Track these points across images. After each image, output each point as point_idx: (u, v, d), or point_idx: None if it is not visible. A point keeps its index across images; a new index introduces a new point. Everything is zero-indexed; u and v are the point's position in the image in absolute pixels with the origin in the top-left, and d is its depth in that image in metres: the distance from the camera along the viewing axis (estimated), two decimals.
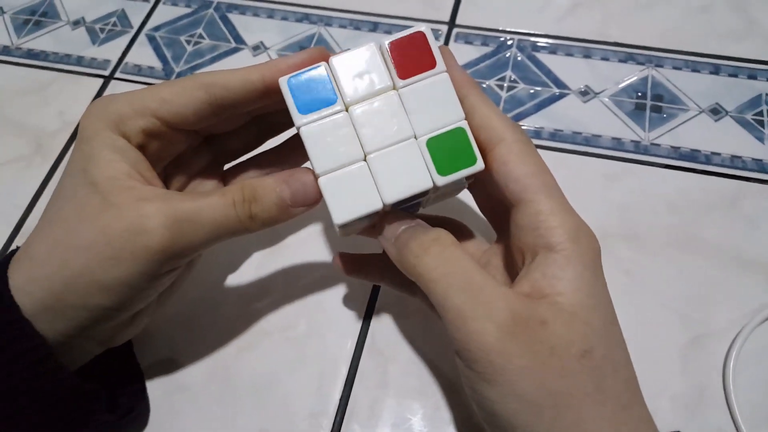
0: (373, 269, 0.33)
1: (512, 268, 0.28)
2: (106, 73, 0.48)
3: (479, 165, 0.26)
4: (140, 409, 0.32)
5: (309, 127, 0.25)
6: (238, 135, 0.33)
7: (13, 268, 0.26)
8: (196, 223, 0.25)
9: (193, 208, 0.26)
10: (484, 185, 0.29)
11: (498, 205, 0.28)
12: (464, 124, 0.26)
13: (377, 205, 0.25)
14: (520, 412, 0.23)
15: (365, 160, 0.26)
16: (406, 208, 0.29)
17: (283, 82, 0.26)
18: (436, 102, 0.26)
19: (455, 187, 0.30)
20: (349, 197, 0.25)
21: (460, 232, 0.33)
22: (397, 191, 0.25)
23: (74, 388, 0.27)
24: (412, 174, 0.26)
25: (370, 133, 0.26)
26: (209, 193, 0.27)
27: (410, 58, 0.26)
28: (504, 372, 0.23)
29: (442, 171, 0.26)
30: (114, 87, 0.47)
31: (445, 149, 0.26)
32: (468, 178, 0.27)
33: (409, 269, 0.26)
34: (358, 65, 0.26)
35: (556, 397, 0.22)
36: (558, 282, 0.24)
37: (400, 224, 0.27)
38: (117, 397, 0.30)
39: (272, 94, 0.27)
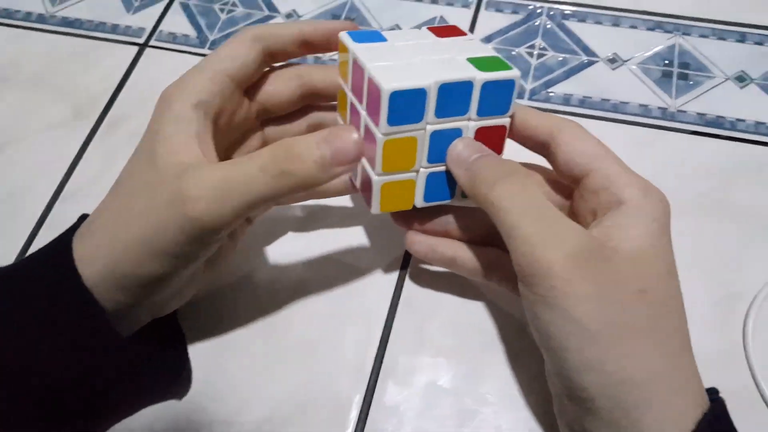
0: (446, 252, 0.33)
1: None
2: (141, 40, 0.48)
3: (515, 72, 0.28)
4: (185, 373, 0.34)
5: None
6: (292, 126, 0.35)
7: (78, 239, 0.28)
8: (233, 191, 0.25)
9: (226, 177, 0.26)
10: None
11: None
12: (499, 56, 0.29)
13: (427, 82, 0.26)
14: (574, 336, 0.24)
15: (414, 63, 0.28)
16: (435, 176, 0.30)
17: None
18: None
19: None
20: (400, 76, 0.26)
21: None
22: (445, 75, 0.27)
23: (131, 355, 0.28)
24: (457, 69, 0.28)
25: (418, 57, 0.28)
26: (243, 158, 0.27)
27: None
28: (566, 297, 0.24)
29: (482, 69, 0.28)
30: (149, 55, 0.48)
31: (483, 62, 0.28)
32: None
33: (480, 197, 0.27)
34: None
35: (612, 327, 0.23)
36: (626, 230, 0.25)
37: (474, 152, 0.28)
38: (163, 361, 0.32)
39: (310, 45, 0.31)
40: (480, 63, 0.28)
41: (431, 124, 0.28)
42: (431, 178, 0.30)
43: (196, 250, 0.27)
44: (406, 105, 0.26)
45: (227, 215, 0.25)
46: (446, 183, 0.30)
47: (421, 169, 0.29)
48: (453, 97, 0.27)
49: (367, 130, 0.28)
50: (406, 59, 0.28)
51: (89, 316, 0.27)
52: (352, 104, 0.29)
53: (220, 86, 0.29)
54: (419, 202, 0.30)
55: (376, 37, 0.30)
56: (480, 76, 0.27)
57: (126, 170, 0.29)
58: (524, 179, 0.27)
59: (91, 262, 0.27)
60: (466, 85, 0.27)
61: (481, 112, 0.28)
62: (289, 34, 0.31)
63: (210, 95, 0.29)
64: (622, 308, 0.24)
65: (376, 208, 0.30)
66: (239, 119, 0.32)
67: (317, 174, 0.26)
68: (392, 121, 0.26)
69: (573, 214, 0.30)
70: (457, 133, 0.29)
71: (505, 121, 0.29)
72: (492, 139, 0.29)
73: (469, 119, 0.28)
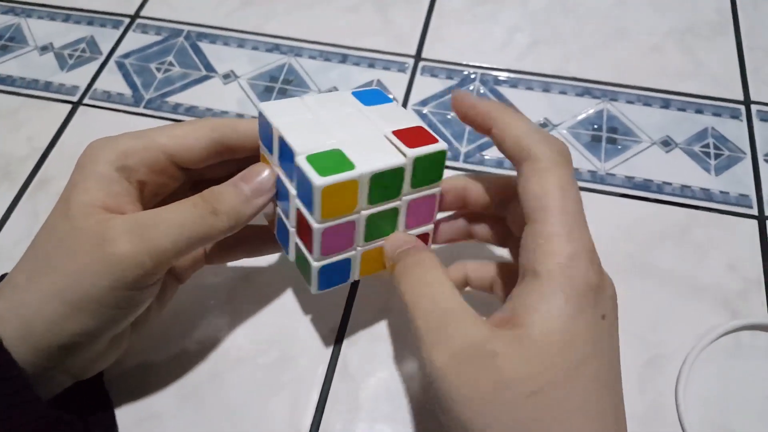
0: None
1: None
2: (75, 99, 0.48)
3: (442, 145, 0.28)
4: None
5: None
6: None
7: None
8: (159, 226, 0.26)
9: (154, 214, 0.26)
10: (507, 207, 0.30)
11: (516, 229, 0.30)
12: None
13: (356, 174, 0.26)
14: None
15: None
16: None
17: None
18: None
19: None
20: (329, 166, 0.26)
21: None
22: (373, 164, 0.26)
23: (52, 419, 0.27)
24: (385, 154, 0.27)
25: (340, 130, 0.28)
26: (170, 205, 0.27)
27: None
28: (448, 399, 0.23)
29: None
30: (83, 113, 0.47)
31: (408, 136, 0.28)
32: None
33: (396, 290, 0.27)
34: None
35: (497, 430, 0.22)
36: (533, 313, 0.23)
37: (400, 246, 0.29)
38: (89, 427, 0.30)
39: None
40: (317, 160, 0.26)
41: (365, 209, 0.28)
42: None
43: (123, 295, 0.26)
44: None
45: (157, 255, 0.25)
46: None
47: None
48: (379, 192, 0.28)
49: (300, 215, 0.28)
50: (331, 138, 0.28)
51: (6, 378, 0.25)
52: (279, 179, 0.29)
53: (151, 159, 0.28)
54: (314, 289, 0.30)
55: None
56: (410, 153, 0.27)
57: (44, 225, 0.28)
58: (428, 270, 0.27)
59: (9, 320, 0.26)
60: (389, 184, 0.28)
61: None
62: (249, 128, 0.30)
63: (137, 164, 0.28)
64: (508, 412, 0.22)
65: (292, 256, 0.30)
66: (169, 191, 0.31)
67: (242, 208, 0.28)
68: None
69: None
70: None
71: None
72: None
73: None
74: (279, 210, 0.30)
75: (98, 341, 0.27)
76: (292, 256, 0.30)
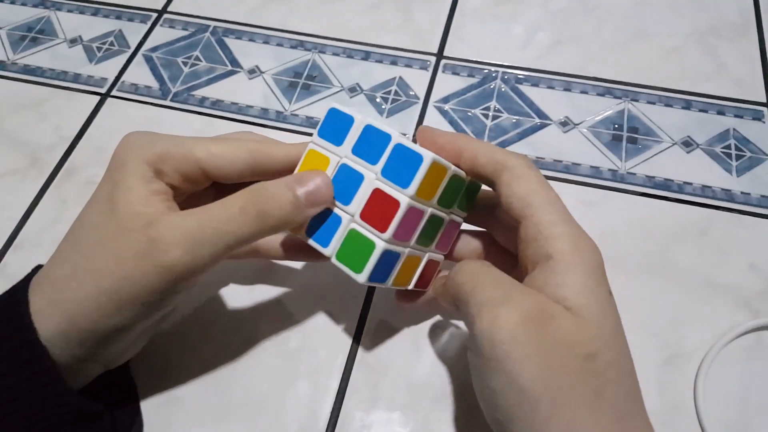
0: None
1: None
2: (103, 90, 0.49)
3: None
4: (136, 426, 0.33)
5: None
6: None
7: (34, 291, 0.27)
8: (209, 234, 0.26)
9: (203, 220, 0.26)
10: (500, 220, 0.32)
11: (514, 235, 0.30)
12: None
13: (448, 164, 0.28)
14: (519, 405, 0.23)
15: None
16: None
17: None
18: None
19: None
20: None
21: None
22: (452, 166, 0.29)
23: (81, 410, 0.27)
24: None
25: None
26: (215, 203, 0.27)
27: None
28: (508, 360, 0.23)
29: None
30: (110, 105, 0.48)
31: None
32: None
33: (449, 290, 0.29)
34: None
35: (554, 393, 0.23)
36: (560, 289, 0.25)
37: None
38: (115, 415, 0.31)
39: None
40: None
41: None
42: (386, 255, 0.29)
43: (166, 298, 0.27)
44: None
45: (205, 259, 0.26)
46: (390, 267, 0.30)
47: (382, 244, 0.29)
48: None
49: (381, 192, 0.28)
50: None
51: (40, 372, 0.26)
52: (342, 170, 0.29)
53: (186, 169, 0.29)
54: (364, 277, 0.28)
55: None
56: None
57: (83, 219, 0.28)
58: (484, 265, 0.28)
59: (50, 315, 0.26)
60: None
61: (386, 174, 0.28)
62: (285, 155, 0.30)
63: (171, 170, 0.28)
64: (566, 374, 0.23)
65: (331, 251, 0.29)
66: (199, 197, 0.32)
67: (292, 214, 0.27)
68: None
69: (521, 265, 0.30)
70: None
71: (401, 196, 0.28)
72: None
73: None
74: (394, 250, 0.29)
75: (134, 333, 0.28)
76: (331, 250, 0.29)
